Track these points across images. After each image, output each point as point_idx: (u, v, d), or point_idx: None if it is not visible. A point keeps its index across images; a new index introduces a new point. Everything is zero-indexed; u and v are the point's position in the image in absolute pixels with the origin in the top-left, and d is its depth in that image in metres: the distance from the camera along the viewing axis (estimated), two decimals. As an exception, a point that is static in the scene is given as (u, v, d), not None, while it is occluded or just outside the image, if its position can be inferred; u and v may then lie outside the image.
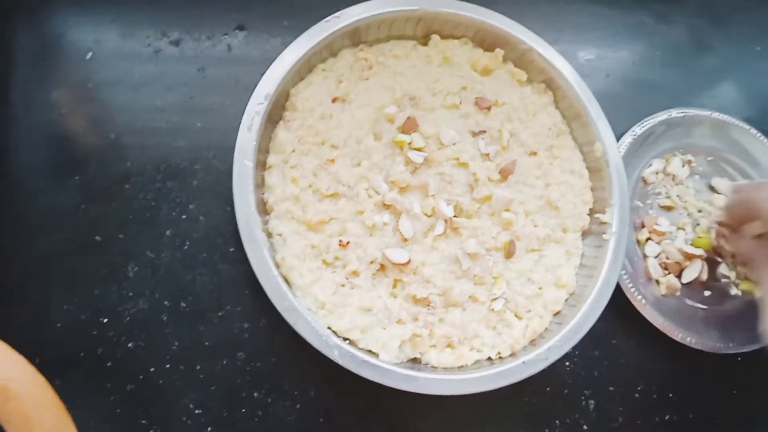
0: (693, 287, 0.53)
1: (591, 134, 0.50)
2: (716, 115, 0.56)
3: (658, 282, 0.53)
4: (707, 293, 0.53)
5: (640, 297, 0.51)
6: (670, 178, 0.56)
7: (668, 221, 0.55)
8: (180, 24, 0.50)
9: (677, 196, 0.56)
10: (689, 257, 0.54)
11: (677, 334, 0.51)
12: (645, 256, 0.53)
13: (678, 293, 0.53)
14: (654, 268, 0.53)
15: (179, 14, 0.50)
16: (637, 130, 0.55)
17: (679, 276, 0.53)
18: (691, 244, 0.54)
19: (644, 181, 0.55)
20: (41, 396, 0.26)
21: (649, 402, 0.51)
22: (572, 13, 0.58)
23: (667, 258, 0.53)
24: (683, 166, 0.56)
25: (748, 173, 0.57)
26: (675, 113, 0.56)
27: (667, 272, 0.53)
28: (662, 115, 0.55)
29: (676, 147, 0.57)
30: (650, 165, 0.56)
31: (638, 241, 0.54)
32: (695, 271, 0.53)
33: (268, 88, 0.45)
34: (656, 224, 0.54)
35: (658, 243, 0.54)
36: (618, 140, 0.53)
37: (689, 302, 0.53)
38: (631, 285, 0.51)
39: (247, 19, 0.51)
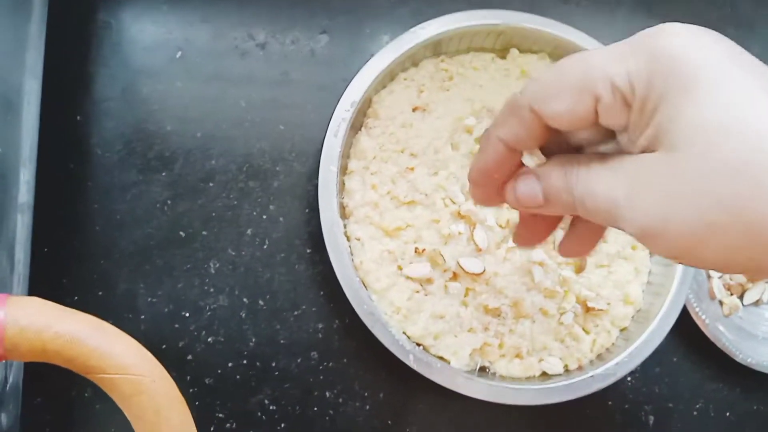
0: (757, 308, 0.54)
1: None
2: None
3: (721, 303, 0.53)
4: None
5: (704, 316, 0.51)
6: None
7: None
8: (266, 27, 0.51)
9: None
10: (752, 279, 0.54)
11: (738, 355, 0.51)
12: (709, 277, 0.54)
13: (740, 314, 0.53)
14: (718, 289, 0.53)
15: (266, 18, 0.51)
16: None
17: (741, 297, 0.54)
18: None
19: None
20: (170, 393, 0.27)
21: (707, 421, 0.52)
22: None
23: (731, 279, 0.54)
24: None
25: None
26: None
27: (730, 293, 0.54)
28: None
29: None
30: None
31: None
32: (757, 293, 0.54)
33: (355, 95, 0.46)
34: None
35: None
36: None
37: (751, 323, 0.53)
38: (695, 304, 0.51)
39: (331, 26, 0.52)
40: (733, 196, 0.23)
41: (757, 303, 0.54)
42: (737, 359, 0.51)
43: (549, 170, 0.30)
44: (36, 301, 0.27)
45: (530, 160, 0.31)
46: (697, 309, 0.51)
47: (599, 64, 0.26)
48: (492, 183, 0.33)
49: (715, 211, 0.24)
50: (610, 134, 0.29)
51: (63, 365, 0.27)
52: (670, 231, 0.25)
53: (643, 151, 0.26)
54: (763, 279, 0.49)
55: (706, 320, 0.51)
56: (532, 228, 0.37)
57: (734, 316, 0.53)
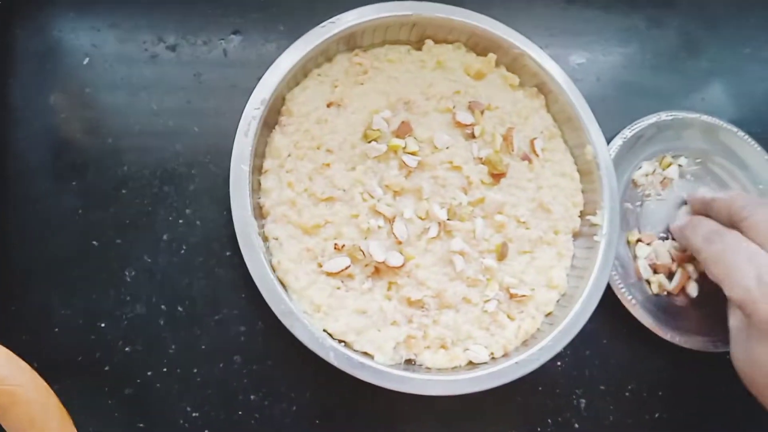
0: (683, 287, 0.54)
1: (582, 137, 0.51)
2: (705, 117, 0.57)
3: (648, 282, 0.54)
4: (695, 293, 0.54)
5: (630, 297, 0.52)
6: (660, 181, 0.57)
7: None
8: (177, 29, 0.50)
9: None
10: (679, 259, 0.54)
11: (666, 333, 0.52)
12: (635, 257, 0.54)
13: (666, 293, 0.54)
14: (644, 269, 0.54)
15: (176, 19, 0.50)
16: (627, 132, 0.55)
17: (669, 277, 0.54)
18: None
19: (634, 183, 0.56)
20: (46, 401, 0.27)
21: (640, 400, 0.52)
22: (565, 18, 0.59)
23: (657, 259, 0.54)
24: (668, 168, 0.57)
25: (737, 175, 0.58)
26: (664, 116, 0.56)
27: (656, 273, 0.54)
28: (652, 118, 0.56)
29: (666, 149, 0.57)
30: (640, 167, 0.56)
31: (628, 242, 0.55)
32: (678, 280, 0.54)
33: (265, 93, 0.46)
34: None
35: (648, 244, 0.55)
36: (608, 143, 0.54)
37: (678, 302, 0.54)
38: (621, 285, 0.52)
39: (243, 24, 0.51)
40: None
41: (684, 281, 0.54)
42: (666, 338, 0.52)
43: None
44: None
45: None
46: (623, 290, 0.52)
47: None
48: None
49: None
50: None
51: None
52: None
53: None
54: None
55: (632, 300, 0.52)
56: None
57: (662, 296, 0.53)
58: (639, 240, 0.55)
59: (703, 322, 0.53)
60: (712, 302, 0.53)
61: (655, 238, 0.55)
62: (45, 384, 0.27)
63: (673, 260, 0.54)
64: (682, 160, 0.57)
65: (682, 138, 0.58)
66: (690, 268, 0.54)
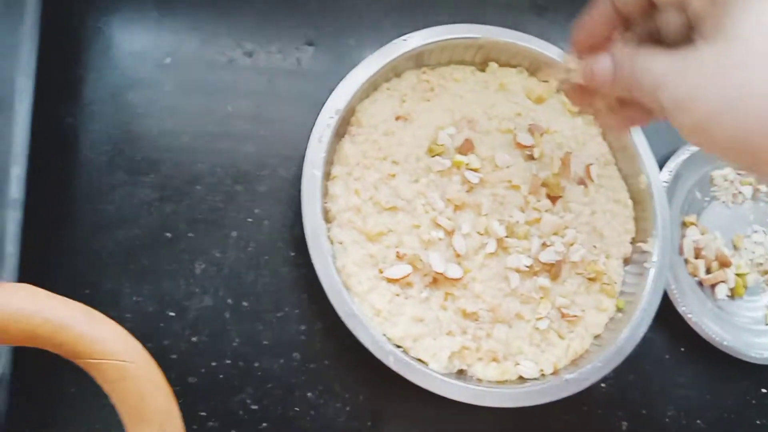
0: (732, 300, 0.56)
1: (636, 166, 0.53)
2: None
3: (687, 261, 0.55)
4: (722, 295, 0.56)
5: (684, 308, 0.53)
6: (733, 192, 0.58)
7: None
8: (254, 37, 0.52)
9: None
10: (721, 261, 0.56)
11: (722, 342, 0.53)
12: (684, 236, 0.56)
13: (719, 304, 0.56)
14: (688, 248, 0.56)
15: (254, 27, 0.52)
16: (693, 146, 0.57)
17: (707, 271, 0.56)
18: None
19: (711, 178, 0.59)
20: (155, 379, 0.28)
21: (678, 427, 0.53)
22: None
23: (703, 249, 0.56)
24: (746, 186, 0.59)
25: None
26: None
27: (698, 258, 0.56)
28: None
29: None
30: (723, 169, 0.58)
31: (684, 223, 0.57)
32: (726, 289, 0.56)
33: (339, 103, 0.48)
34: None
35: (702, 234, 0.57)
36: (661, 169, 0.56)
37: (729, 313, 0.56)
38: (677, 295, 0.53)
39: (316, 36, 0.53)
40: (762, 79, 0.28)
41: (732, 296, 0.56)
42: (720, 347, 0.53)
43: (622, 50, 0.36)
44: (27, 287, 0.28)
45: None
46: (681, 304, 0.53)
47: None
48: (588, 42, 0.40)
49: (740, 89, 0.29)
50: (685, 21, 0.34)
51: (51, 350, 0.27)
52: (697, 105, 0.30)
53: (706, 39, 0.31)
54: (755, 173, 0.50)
55: (690, 316, 0.53)
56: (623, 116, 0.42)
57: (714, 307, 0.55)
58: (694, 224, 0.56)
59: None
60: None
61: (708, 232, 0.57)
62: (153, 362, 0.29)
63: (716, 258, 0.56)
64: (765, 189, 0.59)
65: None
66: (729, 273, 0.56)
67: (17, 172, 0.41)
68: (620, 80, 0.36)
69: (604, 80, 0.37)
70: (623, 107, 0.41)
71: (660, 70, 0.32)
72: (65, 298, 0.28)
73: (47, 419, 0.44)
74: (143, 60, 0.51)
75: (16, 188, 0.41)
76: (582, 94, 0.43)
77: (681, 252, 0.56)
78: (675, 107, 0.31)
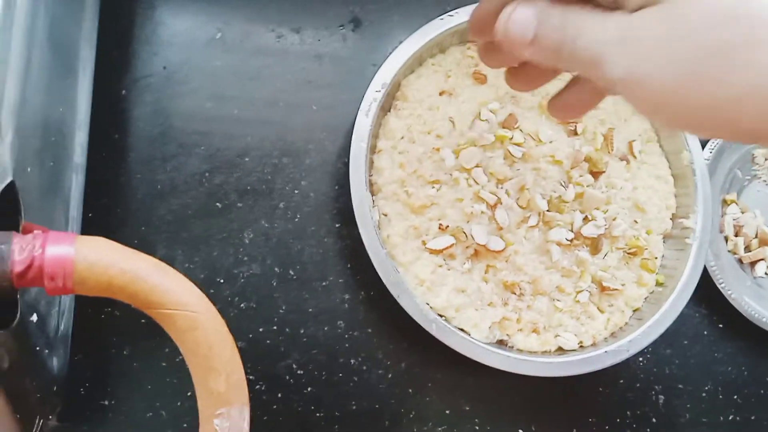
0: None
1: (678, 143, 0.53)
2: None
3: (726, 239, 0.56)
4: (761, 272, 0.56)
5: (723, 284, 0.53)
6: None
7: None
8: (301, 13, 0.53)
9: None
10: (762, 239, 0.56)
11: (762, 318, 0.53)
12: (724, 214, 0.57)
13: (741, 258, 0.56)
14: (729, 225, 0.56)
15: (301, 4, 0.53)
16: None
17: (747, 249, 0.56)
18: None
19: (753, 157, 0.59)
20: (222, 330, 0.29)
21: (716, 401, 0.54)
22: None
23: (744, 227, 0.56)
24: None
25: None
26: None
27: (737, 236, 0.56)
28: None
29: None
30: (764, 147, 0.59)
31: (725, 201, 0.57)
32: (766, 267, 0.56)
33: (385, 78, 0.49)
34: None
35: (743, 212, 0.57)
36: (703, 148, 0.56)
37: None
38: (719, 275, 0.53)
39: (361, 13, 0.54)
40: (715, 40, 0.23)
41: None
42: (759, 324, 0.53)
43: (549, 6, 0.28)
44: (102, 240, 0.29)
45: None
46: (721, 281, 0.53)
47: None
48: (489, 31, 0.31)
49: (696, 57, 0.24)
50: None
51: (126, 300, 0.29)
52: (653, 78, 0.25)
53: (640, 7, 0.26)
54: (734, 140, 0.48)
55: (730, 292, 0.53)
56: (524, 73, 0.36)
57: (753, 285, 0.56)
58: (734, 202, 0.57)
59: None
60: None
61: (748, 210, 0.57)
62: (220, 315, 0.30)
63: (756, 236, 0.56)
64: None
65: None
66: None
67: (81, 138, 0.43)
68: (543, 43, 0.28)
69: (520, 40, 0.29)
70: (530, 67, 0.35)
71: (597, 33, 0.26)
72: (138, 252, 0.30)
73: (102, 378, 0.45)
74: (194, 34, 0.52)
75: (80, 154, 0.43)
76: (491, 53, 0.35)
77: (721, 229, 0.56)
78: (626, 82, 0.25)
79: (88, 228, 0.44)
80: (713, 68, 0.23)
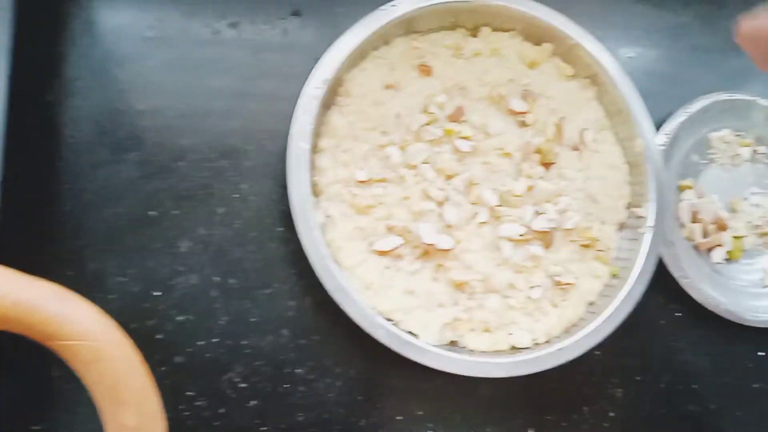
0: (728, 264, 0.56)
1: (632, 130, 0.52)
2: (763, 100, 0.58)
3: (683, 225, 0.55)
4: (718, 259, 0.55)
5: (679, 273, 0.52)
6: (731, 155, 0.58)
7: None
8: (238, 7, 0.51)
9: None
10: (719, 225, 0.55)
11: (719, 306, 0.53)
12: (680, 200, 0.56)
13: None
14: (684, 212, 0.55)
15: (238, -2, 0.51)
16: (692, 108, 0.56)
17: (704, 235, 0.55)
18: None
19: (709, 141, 0.58)
20: (130, 360, 0.27)
21: (674, 393, 0.53)
22: (617, 11, 0.59)
23: (700, 213, 0.55)
24: (745, 147, 0.58)
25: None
26: (725, 96, 0.57)
27: (694, 223, 0.55)
28: (720, 96, 0.57)
29: (734, 127, 0.58)
30: (720, 131, 0.58)
31: (680, 187, 0.56)
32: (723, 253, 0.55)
33: (326, 73, 0.47)
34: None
35: (699, 198, 0.56)
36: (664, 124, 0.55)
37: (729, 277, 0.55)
38: (672, 259, 0.52)
39: (302, 5, 0.52)
40: None
41: (729, 259, 0.55)
42: (717, 311, 0.53)
43: None
44: (-5, 270, 0.27)
45: None
46: (676, 269, 0.52)
47: None
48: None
49: None
50: None
51: (23, 333, 0.27)
52: None
53: None
54: None
55: (686, 280, 0.52)
56: None
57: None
58: (691, 188, 0.56)
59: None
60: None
61: (705, 195, 0.56)
62: (130, 343, 0.28)
63: (713, 222, 0.55)
64: (764, 150, 0.58)
65: (746, 119, 0.58)
66: (726, 236, 0.55)
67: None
68: None
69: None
70: None
71: None
72: (36, 278, 0.28)
73: (31, 405, 0.43)
74: (125, 35, 0.50)
75: (-5, 167, 0.40)
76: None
77: (678, 216, 0.55)
78: None
79: (9, 246, 0.42)
80: None
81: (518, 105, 0.50)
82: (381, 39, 0.50)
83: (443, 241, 0.47)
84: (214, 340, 0.46)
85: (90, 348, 0.27)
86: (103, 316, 0.28)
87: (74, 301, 0.27)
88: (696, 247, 0.55)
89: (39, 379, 0.43)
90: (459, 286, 0.47)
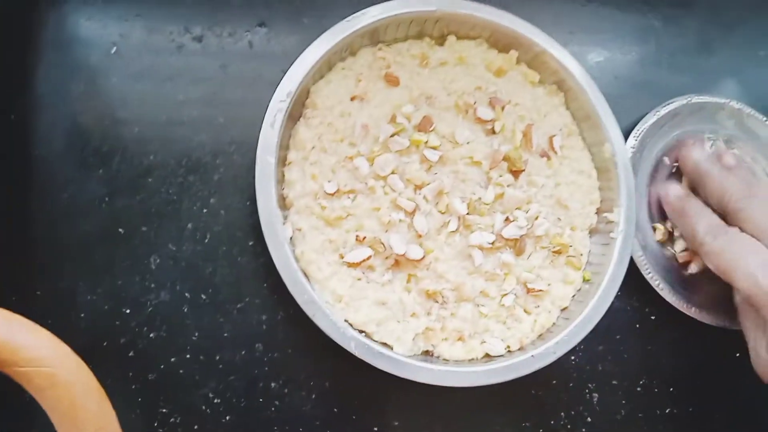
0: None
1: (600, 135, 0.52)
2: (734, 103, 0.58)
3: (654, 228, 0.55)
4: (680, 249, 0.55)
5: (651, 274, 0.52)
6: None
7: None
8: (203, 20, 0.51)
9: None
10: None
11: (689, 307, 0.53)
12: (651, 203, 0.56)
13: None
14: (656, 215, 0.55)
15: (202, 10, 0.51)
16: (662, 110, 0.57)
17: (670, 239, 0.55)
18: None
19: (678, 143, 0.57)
20: (86, 384, 0.27)
21: (651, 395, 0.53)
22: (583, 15, 0.59)
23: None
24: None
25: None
26: (696, 98, 0.58)
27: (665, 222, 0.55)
28: (686, 99, 0.57)
29: (701, 130, 0.58)
30: (691, 133, 0.58)
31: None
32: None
33: (291, 86, 0.46)
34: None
35: None
36: (635, 126, 0.56)
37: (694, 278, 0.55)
38: (642, 257, 0.53)
39: (268, 16, 0.52)
40: None
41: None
42: (690, 314, 0.53)
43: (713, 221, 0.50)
44: (-56, 298, 0.27)
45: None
46: (649, 272, 0.52)
47: None
48: None
49: None
50: None
51: (-24, 363, 0.27)
52: None
53: None
54: None
55: (658, 283, 0.52)
56: None
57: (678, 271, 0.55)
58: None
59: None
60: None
61: None
62: (85, 366, 0.28)
63: None
64: (735, 152, 0.58)
65: (716, 122, 0.58)
66: None
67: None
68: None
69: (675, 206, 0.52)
70: None
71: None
72: (-13, 306, 0.27)
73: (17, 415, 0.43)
74: (89, 50, 0.49)
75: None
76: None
77: (649, 218, 0.55)
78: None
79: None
80: None
81: (485, 113, 0.50)
82: (347, 50, 0.50)
83: (414, 251, 0.47)
84: (186, 356, 0.46)
85: (44, 374, 0.26)
86: (57, 341, 0.28)
87: (27, 326, 0.27)
88: (668, 250, 0.55)
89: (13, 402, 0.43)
90: (431, 296, 0.47)
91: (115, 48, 0.49)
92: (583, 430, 0.51)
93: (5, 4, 0.48)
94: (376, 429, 0.48)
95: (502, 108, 0.51)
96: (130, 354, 0.45)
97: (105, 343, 0.44)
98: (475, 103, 0.51)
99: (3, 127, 0.46)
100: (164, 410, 0.44)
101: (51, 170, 0.46)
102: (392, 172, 0.48)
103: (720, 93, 0.59)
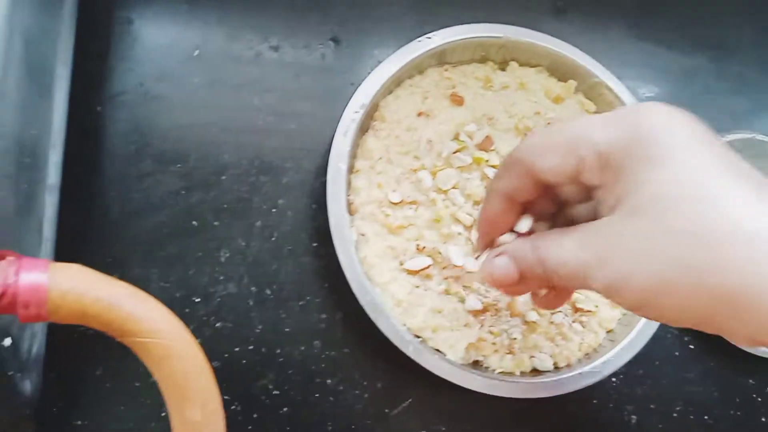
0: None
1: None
2: None
3: None
4: None
5: None
6: None
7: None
8: (280, 31, 0.53)
9: None
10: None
11: None
12: None
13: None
14: None
15: (280, 22, 0.54)
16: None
17: None
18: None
19: None
20: (197, 358, 0.29)
21: (686, 422, 0.54)
22: (634, 52, 0.62)
23: None
24: None
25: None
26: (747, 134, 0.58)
27: None
28: (742, 134, 0.58)
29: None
30: None
31: None
32: None
33: (364, 98, 0.49)
34: None
35: None
36: None
37: None
38: None
39: (341, 32, 0.55)
40: (683, 257, 0.27)
41: None
42: (729, 344, 0.53)
43: (519, 246, 0.34)
44: (76, 267, 0.29)
45: (524, 224, 0.36)
46: None
47: (587, 130, 0.31)
48: (496, 233, 0.38)
49: (669, 270, 0.27)
50: (589, 194, 0.33)
51: (100, 328, 0.28)
52: (631, 286, 0.28)
53: (611, 211, 0.30)
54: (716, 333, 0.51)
55: None
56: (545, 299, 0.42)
57: None
58: None
59: None
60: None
61: None
62: (196, 343, 0.30)
63: None
64: None
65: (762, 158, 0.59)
66: None
67: (55, 158, 0.42)
68: (529, 273, 0.34)
69: (508, 280, 0.35)
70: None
71: (575, 259, 0.30)
72: (113, 279, 0.29)
73: (75, 399, 0.45)
74: (172, 52, 0.52)
75: (54, 174, 0.42)
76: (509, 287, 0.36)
77: None
78: (609, 290, 0.29)
79: (62, 248, 0.44)
80: (677, 289, 0.27)
81: (545, 137, 0.52)
82: (415, 68, 0.53)
83: (470, 264, 0.48)
84: (249, 347, 0.47)
85: (162, 345, 0.28)
86: (173, 317, 0.29)
87: (149, 301, 0.29)
88: None
89: (83, 376, 0.45)
90: (485, 308, 0.49)
91: (197, 51, 0.52)
92: (621, 450, 0.53)
93: (97, 5, 0.51)
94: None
95: (560, 133, 0.53)
96: (198, 341, 0.46)
97: (174, 330, 0.46)
98: (533, 127, 0.53)
99: (90, 118, 0.49)
100: (226, 397, 0.46)
101: (130, 162, 0.49)
102: (453, 187, 0.50)
103: (762, 131, 0.61)
